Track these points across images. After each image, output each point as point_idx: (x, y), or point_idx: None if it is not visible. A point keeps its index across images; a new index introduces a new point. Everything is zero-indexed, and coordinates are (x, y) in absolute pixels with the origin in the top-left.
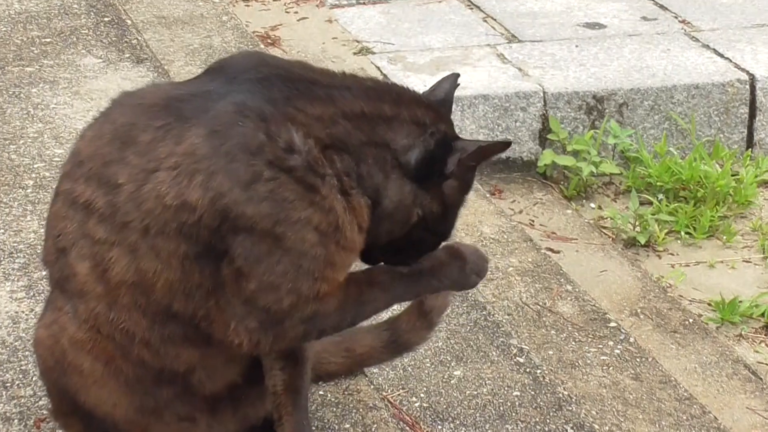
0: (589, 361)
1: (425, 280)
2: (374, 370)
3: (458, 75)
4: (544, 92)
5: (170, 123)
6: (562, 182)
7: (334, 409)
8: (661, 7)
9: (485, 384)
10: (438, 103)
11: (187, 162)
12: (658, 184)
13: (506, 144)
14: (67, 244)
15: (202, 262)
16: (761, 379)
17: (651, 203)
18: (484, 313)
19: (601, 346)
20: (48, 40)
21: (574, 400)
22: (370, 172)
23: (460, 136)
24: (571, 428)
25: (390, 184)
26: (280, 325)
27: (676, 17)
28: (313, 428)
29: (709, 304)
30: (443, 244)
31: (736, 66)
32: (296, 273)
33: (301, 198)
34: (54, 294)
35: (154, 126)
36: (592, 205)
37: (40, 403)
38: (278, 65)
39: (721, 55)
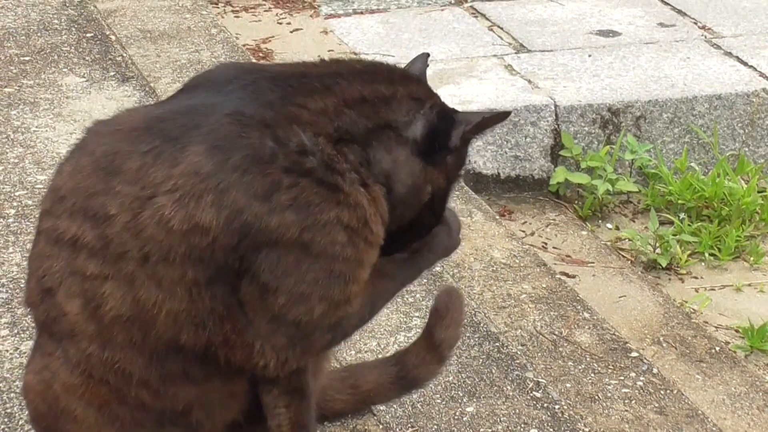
0: (609, 395)
1: (422, 255)
2: (381, 408)
3: (428, 54)
4: (556, 105)
5: (157, 146)
6: (576, 201)
7: None
8: (680, 12)
9: (500, 421)
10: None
11: (190, 183)
12: (680, 202)
13: (506, 114)
14: (54, 283)
15: (213, 287)
16: None
17: (672, 223)
18: (497, 344)
19: (622, 377)
20: (27, 58)
21: None
22: (378, 158)
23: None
24: None
25: (399, 164)
26: (309, 338)
27: (695, 23)
28: None
29: (737, 331)
30: None
31: (762, 75)
32: (328, 278)
33: (326, 199)
34: (42, 338)
35: (140, 151)
36: (609, 225)
37: None
38: (260, 69)
39: (745, 63)
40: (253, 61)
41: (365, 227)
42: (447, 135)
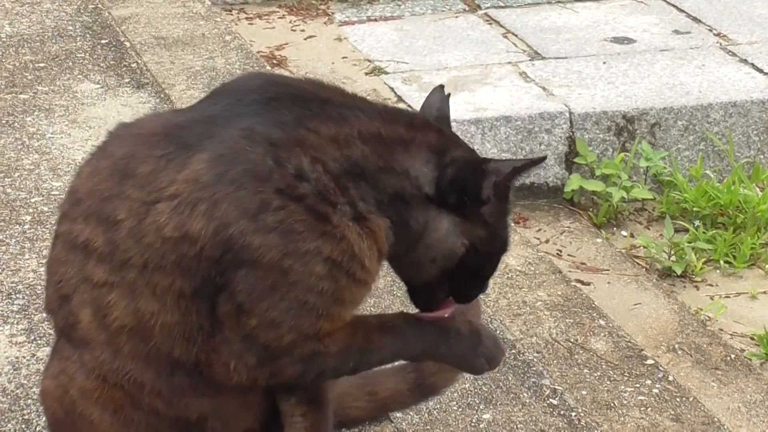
0: (625, 402)
1: (437, 341)
2: (398, 415)
3: (443, 86)
4: (570, 112)
5: (171, 152)
6: (590, 209)
7: None
8: (695, 19)
9: (517, 428)
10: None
11: (189, 190)
12: (695, 209)
13: (541, 160)
14: (69, 290)
15: (198, 301)
16: None
17: (687, 230)
18: (513, 351)
19: (637, 385)
20: (42, 64)
21: None
22: (392, 202)
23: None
24: None
25: (416, 214)
26: (278, 362)
27: (710, 30)
28: None
29: (752, 338)
30: (466, 319)
31: None
32: (299, 309)
33: (311, 229)
34: (60, 343)
35: (155, 156)
36: (624, 233)
37: None
38: (288, 84)
39: (761, 71)
40: (267, 67)
41: (351, 261)
42: (478, 187)
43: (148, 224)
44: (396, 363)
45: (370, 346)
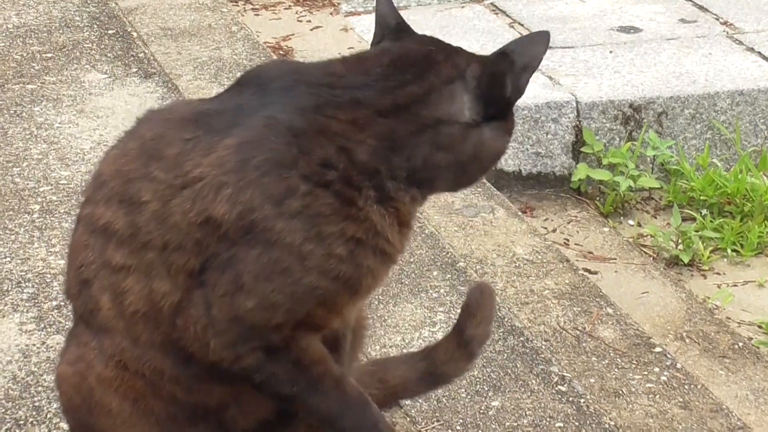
0: (633, 389)
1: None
2: (407, 402)
3: None
4: (577, 102)
5: (199, 136)
6: (597, 198)
7: None
8: (701, 8)
9: (525, 415)
10: (398, 28)
11: (213, 173)
12: (702, 198)
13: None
14: (90, 275)
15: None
16: None
17: (694, 219)
18: (521, 339)
19: (646, 372)
20: (49, 55)
21: (620, 431)
22: (429, 159)
23: None
24: None
25: (462, 147)
26: (247, 344)
27: (717, 19)
28: None
29: (760, 327)
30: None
31: None
32: (305, 294)
33: (336, 212)
34: (78, 328)
35: (182, 138)
36: (631, 222)
37: None
38: (301, 71)
39: (767, 59)
40: (273, 58)
41: (377, 237)
42: (514, 87)
43: (173, 207)
44: (406, 351)
45: (316, 383)
